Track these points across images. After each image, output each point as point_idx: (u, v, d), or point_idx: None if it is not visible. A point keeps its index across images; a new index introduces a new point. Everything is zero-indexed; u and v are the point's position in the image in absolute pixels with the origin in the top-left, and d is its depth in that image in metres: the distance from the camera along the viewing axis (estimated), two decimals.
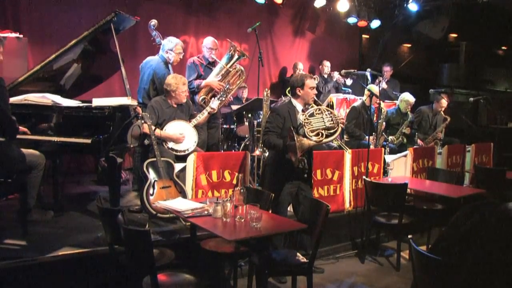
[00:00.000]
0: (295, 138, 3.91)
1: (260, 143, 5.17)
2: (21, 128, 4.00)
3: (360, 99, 6.93)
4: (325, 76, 8.38)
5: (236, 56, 5.71)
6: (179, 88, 4.81)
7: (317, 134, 4.10)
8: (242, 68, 5.72)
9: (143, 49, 6.80)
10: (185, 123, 4.88)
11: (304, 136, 4.05)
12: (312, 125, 4.10)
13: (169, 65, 5.44)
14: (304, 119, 4.11)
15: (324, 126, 4.13)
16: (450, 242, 2.07)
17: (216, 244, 3.62)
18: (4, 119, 3.60)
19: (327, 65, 8.40)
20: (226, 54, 5.77)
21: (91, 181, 6.13)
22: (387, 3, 9.29)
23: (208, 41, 5.88)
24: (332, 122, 4.16)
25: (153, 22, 5.58)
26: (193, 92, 5.71)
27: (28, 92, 4.40)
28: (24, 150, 3.85)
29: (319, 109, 4.22)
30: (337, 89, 8.45)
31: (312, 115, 4.17)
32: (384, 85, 8.42)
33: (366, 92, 6.55)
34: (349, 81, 8.49)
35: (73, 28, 5.96)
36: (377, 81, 8.26)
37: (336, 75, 8.29)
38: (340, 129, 4.18)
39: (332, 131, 4.15)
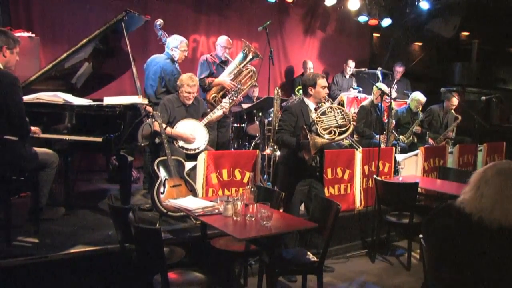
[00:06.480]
0: (308, 137, 3.91)
1: (271, 141, 5.16)
2: (33, 129, 4.02)
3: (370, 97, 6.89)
4: (347, 76, 8.47)
5: (250, 56, 5.70)
6: (184, 86, 4.81)
7: (330, 132, 4.10)
8: (254, 69, 5.72)
9: (153, 48, 6.79)
10: (196, 122, 4.89)
11: (317, 134, 4.05)
12: (324, 123, 4.11)
13: (176, 63, 5.46)
14: (316, 118, 4.12)
15: (336, 124, 4.14)
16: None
17: (226, 242, 3.62)
18: (18, 119, 3.62)
19: (350, 66, 8.43)
20: (240, 53, 5.77)
21: (102, 180, 6.17)
22: (398, 1, 9.21)
23: (222, 39, 5.88)
24: (344, 120, 4.17)
25: (159, 21, 5.60)
26: (204, 89, 5.71)
27: (40, 91, 4.43)
28: (37, 149, 3.87)
29: (331, 108, 4.22)
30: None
31: (324, 113, 4.18)
32: (394, 84, 8.35)
33: (374, 90, 6.51)
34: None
35: (84, 27, 6.01)
36: (392, 80, 8.23)
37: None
38: (352, 126, 4.18)
39: (344, 129, 4.16)
